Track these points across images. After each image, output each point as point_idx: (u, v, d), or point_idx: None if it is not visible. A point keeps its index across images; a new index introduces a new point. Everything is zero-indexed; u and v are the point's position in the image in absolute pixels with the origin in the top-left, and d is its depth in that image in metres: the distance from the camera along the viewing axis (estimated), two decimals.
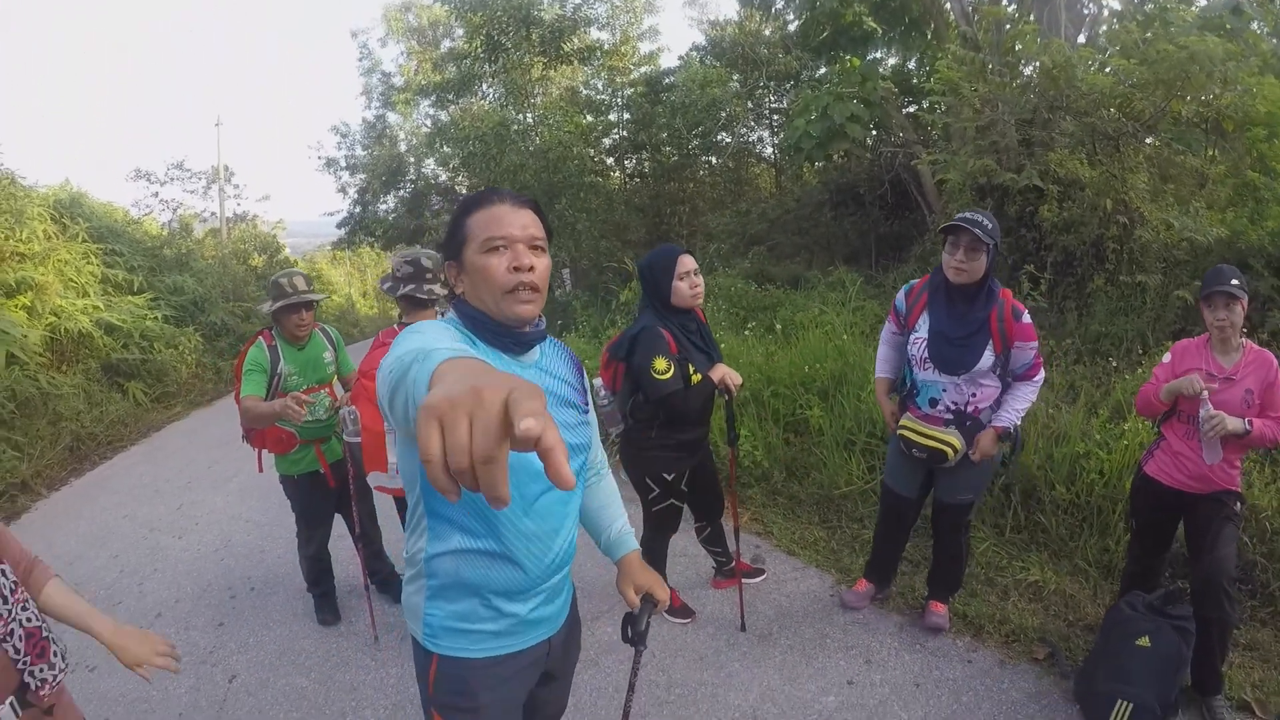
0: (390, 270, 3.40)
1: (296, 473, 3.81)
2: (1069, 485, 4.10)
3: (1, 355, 7.98)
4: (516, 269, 1.47)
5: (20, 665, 1.60)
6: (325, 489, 3.87)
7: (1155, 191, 6.05)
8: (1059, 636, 3.35)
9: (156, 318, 11.34)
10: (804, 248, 11.42)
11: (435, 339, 1.34)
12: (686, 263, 3.16)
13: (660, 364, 3.05)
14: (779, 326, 7.32)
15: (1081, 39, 7.46)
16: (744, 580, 4.01)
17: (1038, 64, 6.71)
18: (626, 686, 1.87)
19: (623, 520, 1.96)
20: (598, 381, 3.55)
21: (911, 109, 10.07)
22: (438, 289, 3.25)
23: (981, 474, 3.22)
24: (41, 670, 1.64)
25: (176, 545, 5.43)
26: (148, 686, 3.59)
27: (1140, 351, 5.25)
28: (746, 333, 7.62)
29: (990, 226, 2.86)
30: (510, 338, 1.55)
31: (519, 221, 1.50)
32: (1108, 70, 6.27)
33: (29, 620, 1.65)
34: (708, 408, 3.35)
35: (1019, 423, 3.08)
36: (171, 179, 18.76)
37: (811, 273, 9.82)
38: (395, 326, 3.49)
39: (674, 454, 3.34)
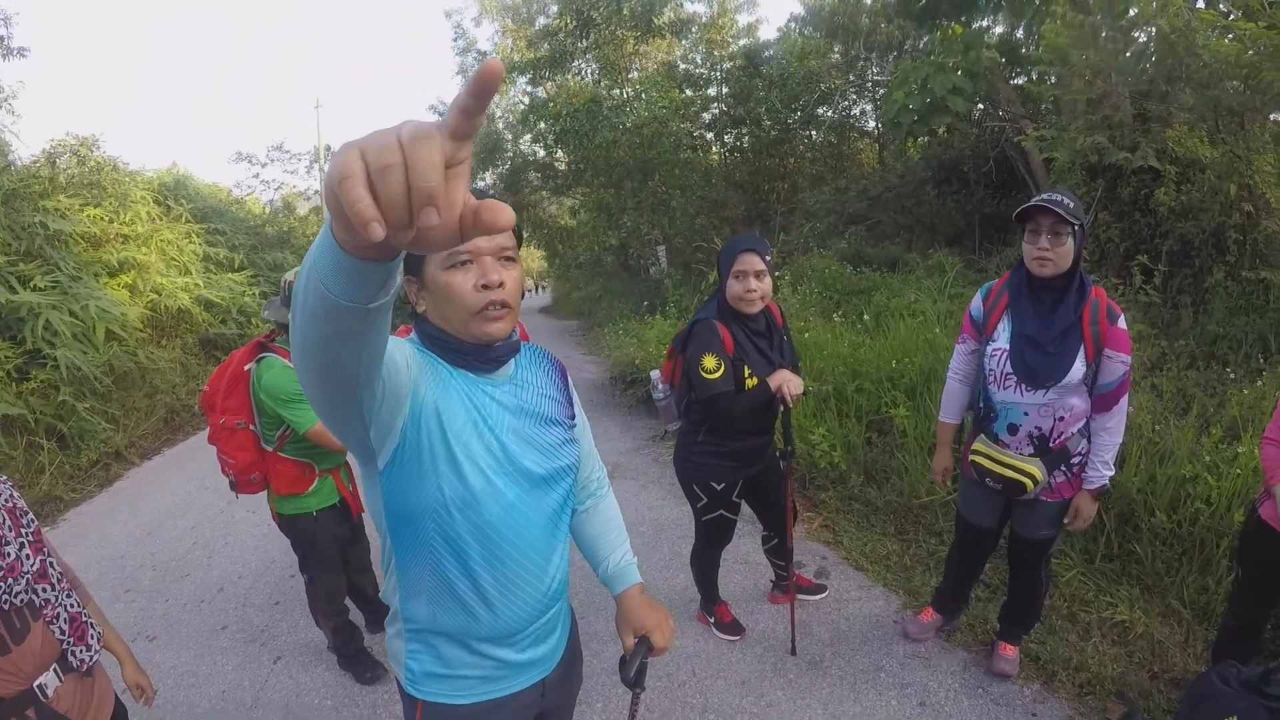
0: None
1: (315, 508, 3.18)
2: (1170, 512, 3.62)
3: (101, 332, 8.38)
4: (485, 286, 1.30)
5: (64, 645, 1.75)
6: (345, 522, 3.34)
7: None
8: (1139, 692, 2.92)
9: (255, 294, 11.79)
10: (905, 228, 10.93)
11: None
12: (747, 261, 2.84)
13: (710, 362, 2.82)
14: (866, 316, 6.95)
15: (1200, 3, 6.68)
16: (803, 597, 3.79)
17: (1154, 30, 6.02)
18: (664, 710, 1.71)
19: (623, 550, 1.77)
20: (655, 374, 3.40)
21: (1020, 81, 9.35)
22: None
23: (1066, 508, 2.77)
24: (80, 651, 1.78)
25: (249, 520, 5.61)
26: (198, 660, 3.76)
27: (1261, 358, 4.68)
28: (837, 318, 7.29)
29: (1073, 206, 2.43)
30: (477, 356, 1.39)
31: None
32: (1231, 37, 5.54)
33: (72, 606, 1.80)
34: (764, 417, 3.06)
35: (1110, 468, 2.66)
36: (272, 160, 19.52)
37: (911, 255, 9.40)
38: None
39: (725, 462, 3.10)
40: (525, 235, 25.08)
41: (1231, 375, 4.62)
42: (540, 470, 1.46)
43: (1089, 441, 2.67)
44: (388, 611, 3.67)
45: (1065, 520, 2.75)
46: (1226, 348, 5.04)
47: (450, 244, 0.65)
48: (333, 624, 3.43)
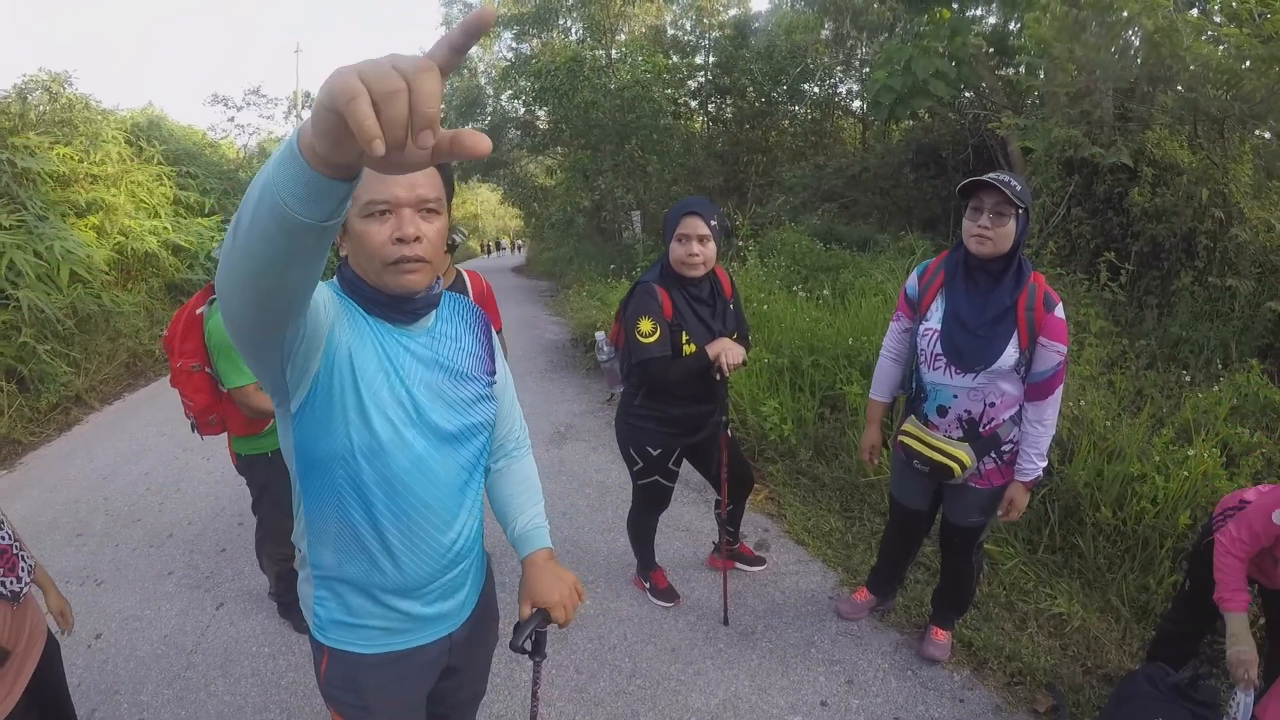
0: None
1: (269, 450, 3.18)
2: (1116, 509, 3.63)
3: (66, 273, 8.24)
4: (400, 240, 1.27)
5: None
6: None
7: (1259, 187, 5.35)
8: (1070, 686, 2.93)
9: (223, 240, 11.70)
10: (880, 209, 10.96)
11: None
12: (690, 224, 2.78)
13: (645, 325, 2.79)
14: (826, 291, 6.97)
15: (1194, 13, 6.64)
16: (743, 567, 3.81)
17: (1139, 29, 5.97)
18: (592, 673, 1.68)
19: (532, 512, 1.73)
20: (601, 335, 3.38)
21: (1009, 72, 9.32)
22: None
23: (996, 496, 2.73)
24: (11, 582, 1.82)
25: (203, 467, 5.65)
26: (143, 605, 3.81)
27: (1220, 364, 4.69)
28: (800, 291, 7.30)
29: (1020, 189, 2.37)
30: (394, 307, 1.37)
31: (406, 180, 1.27)
32: (1222, 47, 5.50)
33: (2, 539, 1.85)
34: (702, 385, 2.99)
35: (1043, 458, 2.59)
36: (248, 104, 19.17)
37: (883, 236, 9.41)
38: None
39: (662, 428, 3.07)
40: (502, 192, 24.92)
41: (1189, 379, 4.64)
42: (451, 426, 1.45)
43: (1021, 429, 2.64)
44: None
45: (999, 512, 2.72)
46: (1187, 351, 5.07)
47: (423, 166, 0.68)
48: (277, 569, 3.45)
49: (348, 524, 1.40)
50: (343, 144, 0.68)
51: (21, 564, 1.86)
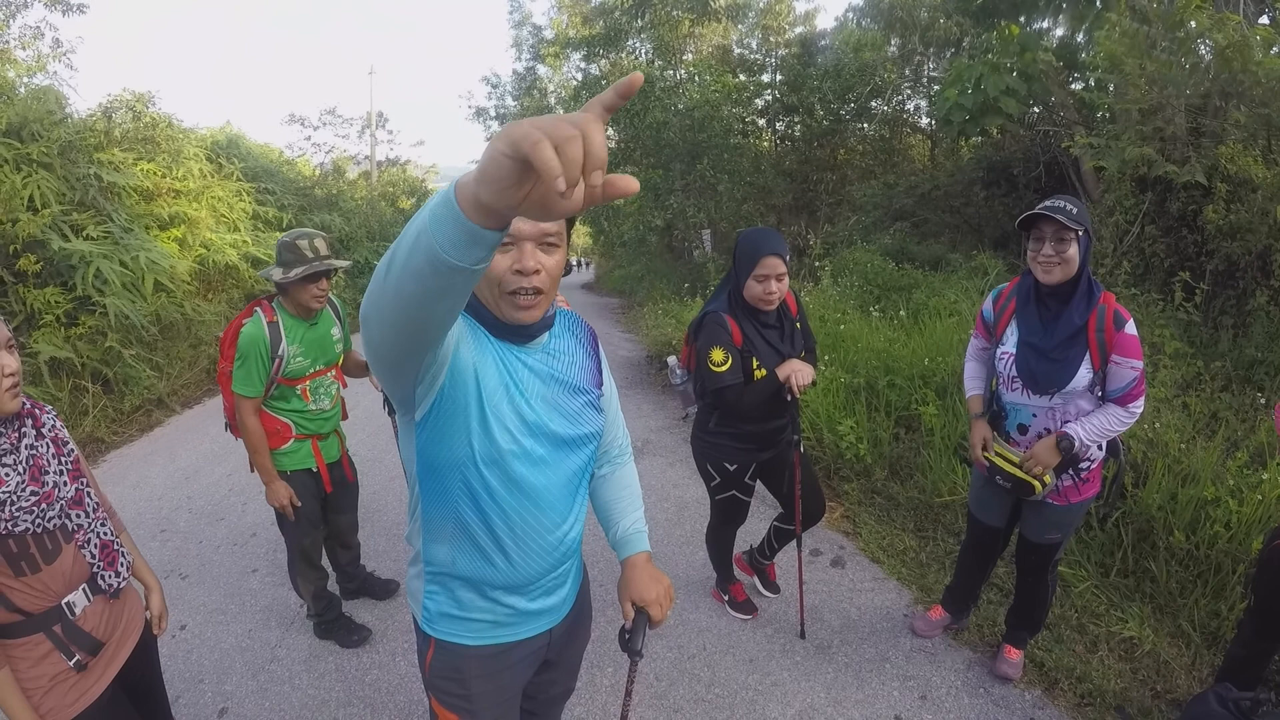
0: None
1: (289, 468, 3.24)
2: (1189, 534, 3.61)
3: (150, 283, 8.63)
4: (519, 271, 1.36)
5: (94, 569, 1.85)
6: (317, 489, 3.37)
7: None
8: (1139, 709, 2.96)
9: None
10: (951, 227, 10.82)
11: None
12: (769, 265, 2.84)
13: (717, 355, 2.87)
14: (903, 312, 6.95)
15: (1264, 20, 6.49)
16: (753, 583, 3.87)
17: (1210, 43, 5.89)
18: (671, 680, 1.77)
19: (633, 517, 1.84)
20: (673, 360, 3.51)
21: (1078, 87, 9.18)
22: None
23: (1072, 513, 2.80)
24: (109, 576, 1.88)
25: None
26: (227, 600, 3.97)
27: None
28: (874, 312, 7.31)
29: (1076, 211, 2.43)
30: (513, 332, 1.47)
31: None
32: None
33: (105, 534, 1.91)
34: (772, 405, 3.05)
35: (1089, 442, 2.58)
36: (324, 124, 19.78)
37: (955, 255, 9.33)
38: None
39: (738, 444, 3.15)
40: None
41: (1264, 401, 4.58)
42: (565, 435, 1.54)
43: (1100, 449, 2.69)
44: (357, 581, 3.74)
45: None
46: (1263, 373, 4.99)
47: (575, 211, 0.76)
48: (312, 588, 3.49)
49: (463, 524, 1.50)
50: (507, 191, 0.76)
51: (121, 559, 1.93)
